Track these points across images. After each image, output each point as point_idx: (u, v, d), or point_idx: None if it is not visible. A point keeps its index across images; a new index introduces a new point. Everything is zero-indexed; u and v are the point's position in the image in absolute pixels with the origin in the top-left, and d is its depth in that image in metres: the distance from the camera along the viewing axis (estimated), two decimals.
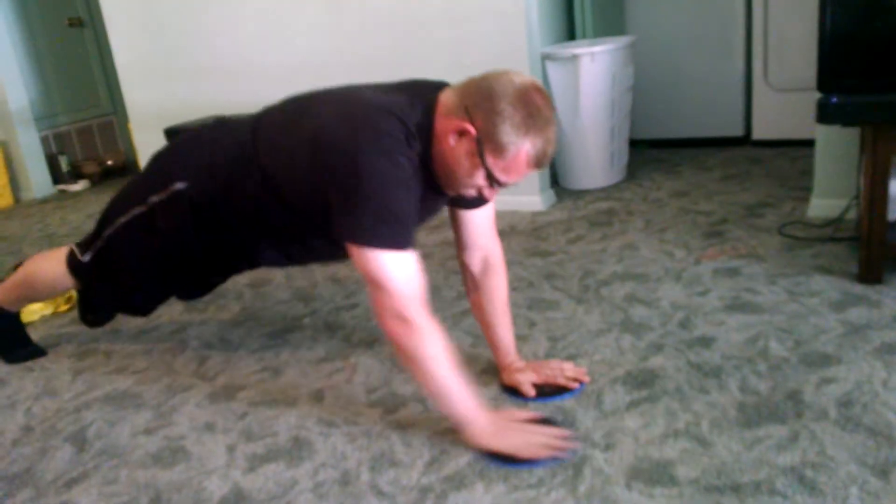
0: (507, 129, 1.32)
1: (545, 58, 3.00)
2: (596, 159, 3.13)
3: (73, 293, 2.50)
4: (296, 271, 2.57)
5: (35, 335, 2.25)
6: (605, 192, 3.10)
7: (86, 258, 1.85)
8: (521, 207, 2.99)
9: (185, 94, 3.63)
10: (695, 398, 1.53)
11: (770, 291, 1.97)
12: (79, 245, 1.89)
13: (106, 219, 1.81)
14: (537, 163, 1.36)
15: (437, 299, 2.18)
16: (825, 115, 1.86)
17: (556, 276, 2.26)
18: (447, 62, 2.96)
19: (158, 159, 1.77)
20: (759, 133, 3.49)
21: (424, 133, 1.40)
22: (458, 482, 1.36)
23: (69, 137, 4.79)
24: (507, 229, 2.77)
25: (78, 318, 2.06)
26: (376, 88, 1.52)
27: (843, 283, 1.97)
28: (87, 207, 4.04)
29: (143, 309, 1.96)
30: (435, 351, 1.38)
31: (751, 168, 3.19)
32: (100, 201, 4.13)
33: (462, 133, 1.36)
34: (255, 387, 1.82)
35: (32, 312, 2.42)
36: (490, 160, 1.35)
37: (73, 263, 1.87)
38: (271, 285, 2.48)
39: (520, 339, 1.88)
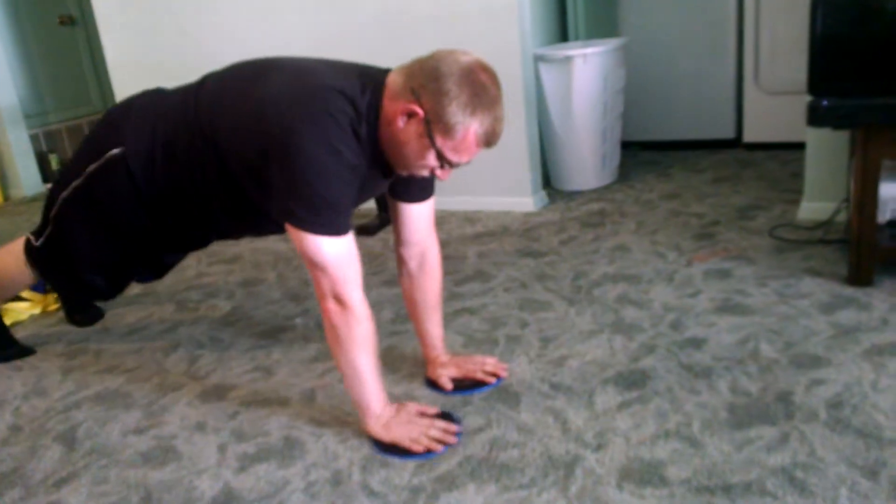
0: (455, 109, 1.32)
1: (538, 59, 3.01)
2: (588, 161, 3.14)
3: None
4: (287, 271, 2.57)
5: (24, 334, 2.24)
6: (597, 194, 3.11)
7: (39, 242, 1.84)
8: (512, 208, 2.99)
9: None
10: (685, 399, 1.54)
11: (760, 293, 1.98)
12: (33, 233, 1.87)
13: (50, 199, 1.79)
14: (487, 141, 1.38)
15: None
16: (816, 117, 1.87)
17: (547, 277, 2.26)
18: None
19: (94, 129, 1.76)
20: (750, 136, 3.51)
21: (373, 115, 1.41)
22: (449, 482, 1.36)
23: (59, 135, 4.76)
24: (499, 230, 2.78)
25: (65, 318, 2.04)
26: (329, 65, 1.52)
27: (832, 285, 1.98)
28: None
29: (106, 291, 1.93)
30: (361, 336, 1.44)
31: (742, 171, 3.21)
32: None
33: (410, 115, 1.36)
34: (247, 386, 1.81)
35: (21, 311, 2.40)
36: (439, 140, 1.35)
37: (29, 251, 1.87)
38: (263, 285, 2.48)
39: (512, 339, 1.88)
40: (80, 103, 4.98)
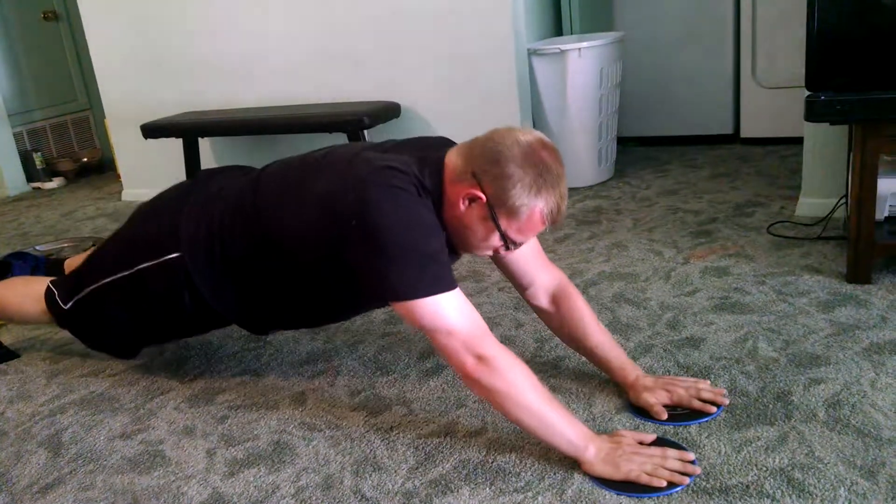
0: (519, 192, 1.29)
1: (532, 53, 2.98)
2: (584, 157, 3.11)
3: None
4: None
5: (8, 337, 2.20)
6: (593, 191, 3.08)
7: (68, 306, 1.78)
8: None
9: (163, 90, 3.57)
10: None
11: (759, 291, 1.96)
12: (57, 286, 1.81)
13: (90, 273, 1.75)
14: (552, 220, 1.34)
15: None
16: (813, 112, 1.84)
17: None
18: (433, 58, 2.93)
19: (147, 220, 1.70)
20: (747, 131, 3.49)
21: (436, 195, 1.37)
22: (443, 486, 1.33)
23: (44, 133, 4.72)
24: None
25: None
26: (376, 148, 1.49)
27: (831, 282, 1.96)
28: (62, 206, 3.98)
29: (128, 352, 1.88)
30: (522, 381, 1.30)
31: (740, 166, 3.18)
32: (75, 199, 4.08)
33: (473, 199, 1.33)
34: (236, 390, 1.78)
35: None
36: (504, 223, 1.33)
37: (53, 307, 1.80)
38: None
39: (506, 340, 1.86)
40: (65, 100, 4.93)
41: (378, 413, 1.60)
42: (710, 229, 2.46)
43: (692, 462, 1.31)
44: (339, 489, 1.37)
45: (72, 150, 4.92)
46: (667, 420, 1.44)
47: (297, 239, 1.45)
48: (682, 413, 1.45)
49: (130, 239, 1.72)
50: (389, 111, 2.99)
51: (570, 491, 1.28)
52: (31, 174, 4.49)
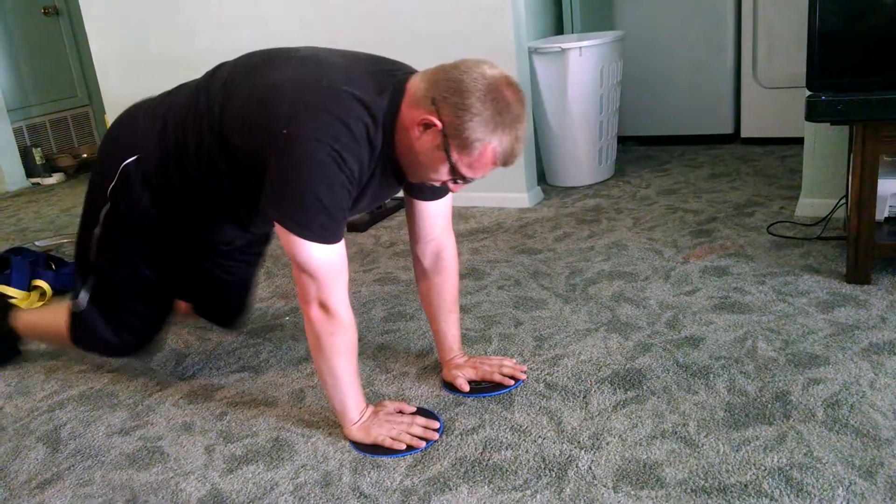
0: (475, 126, 1.27)
1: (532, 52, 2.98)
2: (584, 156, 3.11)
3: (48, 290, 2.45)
4: (276, 268, 2.54)
5: None
6: (593, 190, 3.08)
7: (82, 300, 1.68)
8: (507, 205, 2.96)
9: (163, 85, 3.51)
10: (682, 399, 1.51)
11: (758, 291, 1.96)
12: (73, 299, 1.72)
13: (82, 246, 1.68)
14: (504, 161, 1.33)
15: None
16: (814, 113, 1.84)
17: (542, 275, 2.23)
18: (433, 56, 2.92)
19: (101, 152, 1.66)
20: (748, 131, 3.48)
21: (389, 120, 1.35)
22: (441, 484, 1.33)
23: (43, 129, 4.71)
24: (494, 227, 2.75)
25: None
26: (349, 60, 1.45)
27: (831, 282, 1.96)
28: (61, 201, 3.97)
29: (156, 328, 1.77)
30: (345, 344, 1.42)
31: (740, 166, 3.18)
32: (75, 195, 4.07)
33: (428, 125, 1.31)
34: (234, 386, 1.78)
35: None
36: (455, 155, 1.30)
37: (76, 330, 1.72)
38: None
39: (505, 338, 1.86)
40: (65, 96, 4.92)
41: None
42: (710, 229, 2.46)
43: (438, 430, 1.49)
44: (338, 486, 1.37)
45: (71, 145, 4.92)
46: (471, 392, 1.62)
47: (239, 128, 1.42)
48: (486, 386, 1.63)
49: (91, 180, 1.67)
50: None
51: (567, 489, 1.28)
52: (30, 170, 4.48)
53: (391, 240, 2.74)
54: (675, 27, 3.50)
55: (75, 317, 1.71)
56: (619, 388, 1.57)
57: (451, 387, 1.65)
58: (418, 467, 1.39)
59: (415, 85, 1.35)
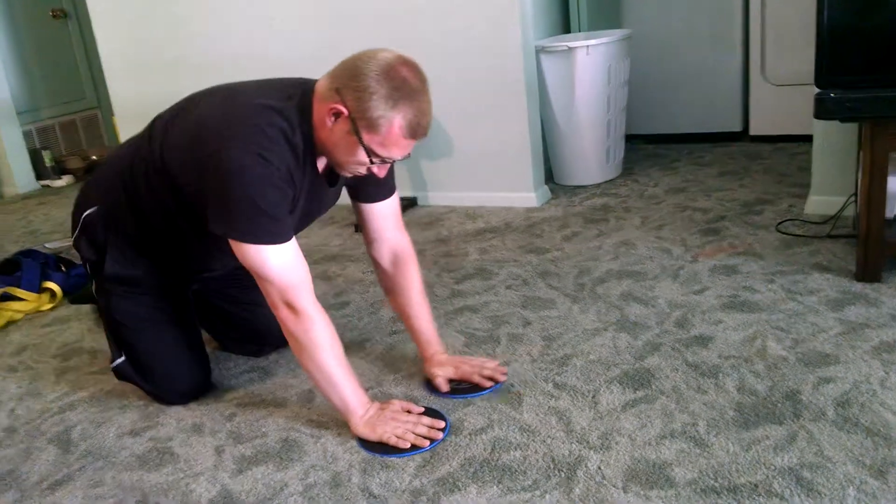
0: (376, 104, 1.34)
1: (539, 51, 2.97)
2: (591, 155, 3.11)
3: (59, 292, 2.46)
4: None
5: (18, 335, 2.21)
6: (601, 189, 3.08)
7: (121, 358, 1.74)
8: (515, 204, 2.96)
9: (171, 87, 3.52)
10: (692, 398, 1.51)
11: (768, 289, 1.95)
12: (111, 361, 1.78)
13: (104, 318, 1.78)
14: (412, 133, 1.38)
15: (431, 297, 2.15)
16: (823, 110, 1.83)
17: (550, 274, 2.23)
18: (440, 54, 2.93)
19: (73, 211, 1.78)
20: (756, 128, 3.47)
21: (306, 121, 1.43)
22: (450, 485, 1.33)
23: (53, 131, 4.73)
24: (502, 226, 2.74)
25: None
26: (260, 83, 1.55)
27: (841, 281, 1.95)
28: (70, 203, 3.97)
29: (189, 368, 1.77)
30: (321, 338, 1.45)
31: (749, 164, 3.17)
32: None
33: (337, 114, 1.38)
34: (244, 387, 1.78)
35: (16, 311, 2.38)
36: (366, 137, 1.37)
37: (120, 375, 1.77)
38: None
39: (514, 338, 1.85)
40: (74, 99, 4.94)
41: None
42: (719, 227, 2.45)
43: (444, 430, 1.49)
44: (347, 487, 1.37)
45: (80, 148, 4.94)
46: (451, 392, 1.63)
47: (178, 161, 1.51)
48: (466, 387, 1.63)
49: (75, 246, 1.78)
50: None
51: (577, 489, 1.28)
52: (39, 172, 4.51)
53: None
54: (682, 25, 3.48)
55: (115, 371, 1.77)
56: (629, 388, 1.57)
57: (429, 385, 1.67)
58: (427, 468, 1.40)
59: (321, 84, 1.44)
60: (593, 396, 1.56)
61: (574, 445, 1.40)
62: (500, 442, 1.44)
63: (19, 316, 2.38)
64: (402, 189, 3.16)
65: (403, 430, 1.47)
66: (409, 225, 2.84)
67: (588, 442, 1.41)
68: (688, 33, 3.48)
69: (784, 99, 3.32)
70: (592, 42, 2.92)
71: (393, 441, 1.46)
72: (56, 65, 4.82)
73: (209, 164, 1.40)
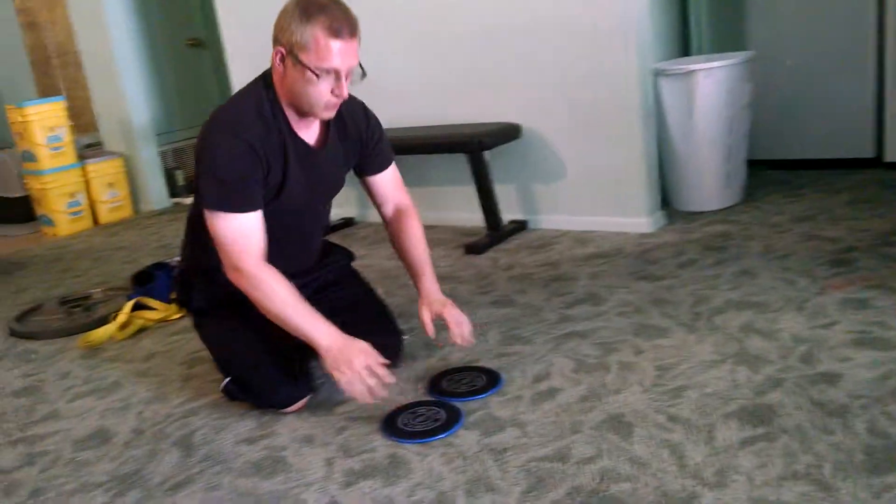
0: (296, 28, 1.56)
1: (657, 74, 2.91)
2: (710, 179, 3.00)
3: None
4: (394, 288, 2.58)
5: (148, 341, 2.35)
6: (720, 215, 2.96)
7: (225, 382, 1.87)
8: (627, 229, 2.89)
9: None
10: (817, 439, 1.42)
11: None
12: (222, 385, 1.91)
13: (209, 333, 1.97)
14: (335, 33, 1.56)
15: (539, 321, 2.14)
16: None
17: (665, 302, 2.16)
18: (554, 78, 2.92)
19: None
20: (892, 155, 3.25)
21: (271, 89, 1.68)
22: None
23: (186, 153, 5.04)
24: (613, 252, 2.69)
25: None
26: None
27: None
28: None
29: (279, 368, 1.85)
30: (270, 291, 1.63)
31: (882, 192, 2.97)
32: None
33: (282, 58, 1.61)
34: (354, 402, 1.81)
35: (148, 319, 2.53)
36: (304, 58, 1.57)
37: (230, 395, 1.90)
38: None
39: (625, 366, 1.81)
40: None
41: (491, 433, 1.60)
42: (849, 258, 2.31)
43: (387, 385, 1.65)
44: None
45: None
46: (447, 395, 1.78)
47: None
48: (463, 391, 1.78)
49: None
50: (509, 132, 3.00)
51: None
52: (173, 190, 4.82)
53: (509, 263, 2.73)
54: (810, 47, 3.32)
55: (224, 393, 1.90)
56: (747, 424, 1.50)
57: (433, 389, 1.82)
58: (533, 493, 1.38)
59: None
60: (709, 431, 1.49)
61: (687, 481, 1.35)
62: (608, 472, 1.41)
63: (150, 324, 2.54)
64: (512, 212, 3.16)
65: (351, 377, 1.60)
66: (518, 249, 2.85)
67: (702, 478, 1.35)
68: (816, 55, 3.32)
69: None
70: (713, 65, 2.84)
71: (346, 388, 1.62)
72: (190, 90, 5.15)
73: (197, 153, 1.68)
